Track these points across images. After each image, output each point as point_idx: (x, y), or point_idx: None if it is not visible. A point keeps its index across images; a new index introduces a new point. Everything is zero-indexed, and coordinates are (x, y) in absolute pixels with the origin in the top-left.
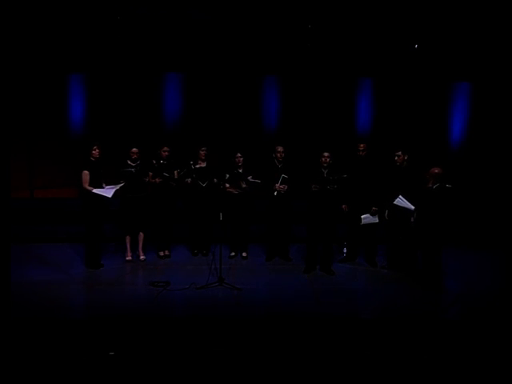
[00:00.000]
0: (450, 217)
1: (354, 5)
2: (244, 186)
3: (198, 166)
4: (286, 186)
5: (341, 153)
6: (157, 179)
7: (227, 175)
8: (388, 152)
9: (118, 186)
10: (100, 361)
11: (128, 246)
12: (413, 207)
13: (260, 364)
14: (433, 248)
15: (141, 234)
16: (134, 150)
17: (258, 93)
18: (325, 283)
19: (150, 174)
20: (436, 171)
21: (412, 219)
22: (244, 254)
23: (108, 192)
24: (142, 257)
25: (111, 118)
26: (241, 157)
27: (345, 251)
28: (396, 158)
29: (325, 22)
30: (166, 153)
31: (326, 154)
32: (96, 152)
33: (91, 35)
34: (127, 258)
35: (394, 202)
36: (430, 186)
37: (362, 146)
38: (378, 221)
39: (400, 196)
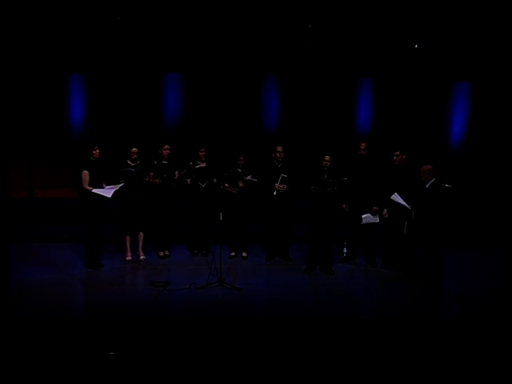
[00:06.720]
0: (449, 216)
1: (354, 5)
2: (241, 185)
3: (197, 167)
4: (286, 186)
5: (340, 153)
6: (157, 180)
7: (226, 174)
8: (388, 152)
9: (117, 186)
10: (100, 361)
11: (128, 246)
12: (408, 205)
13: (260, 364)
14: (432, 248)
15: (141, 233)
16: (134, 149)
17: (258, 93)
18: (325, 283)
19: (151, 174)
20: (428, 167)
21: (411, 219)
22: (244, 254)
23: (108, 192)
24: (141, 257)
25: (111, 117)
26: (243, 160)
27: (345, 251)
28: (394, 157)
29: (325, 22)
30: (167, 151)
31: (327, 158)
32: (96, 152)
33: (91, 35)
34: (127, 258)
35: (391, 198)
36: (425, 183)
37: (363, 145)
38: (378, 220)
39: (395, 193)
